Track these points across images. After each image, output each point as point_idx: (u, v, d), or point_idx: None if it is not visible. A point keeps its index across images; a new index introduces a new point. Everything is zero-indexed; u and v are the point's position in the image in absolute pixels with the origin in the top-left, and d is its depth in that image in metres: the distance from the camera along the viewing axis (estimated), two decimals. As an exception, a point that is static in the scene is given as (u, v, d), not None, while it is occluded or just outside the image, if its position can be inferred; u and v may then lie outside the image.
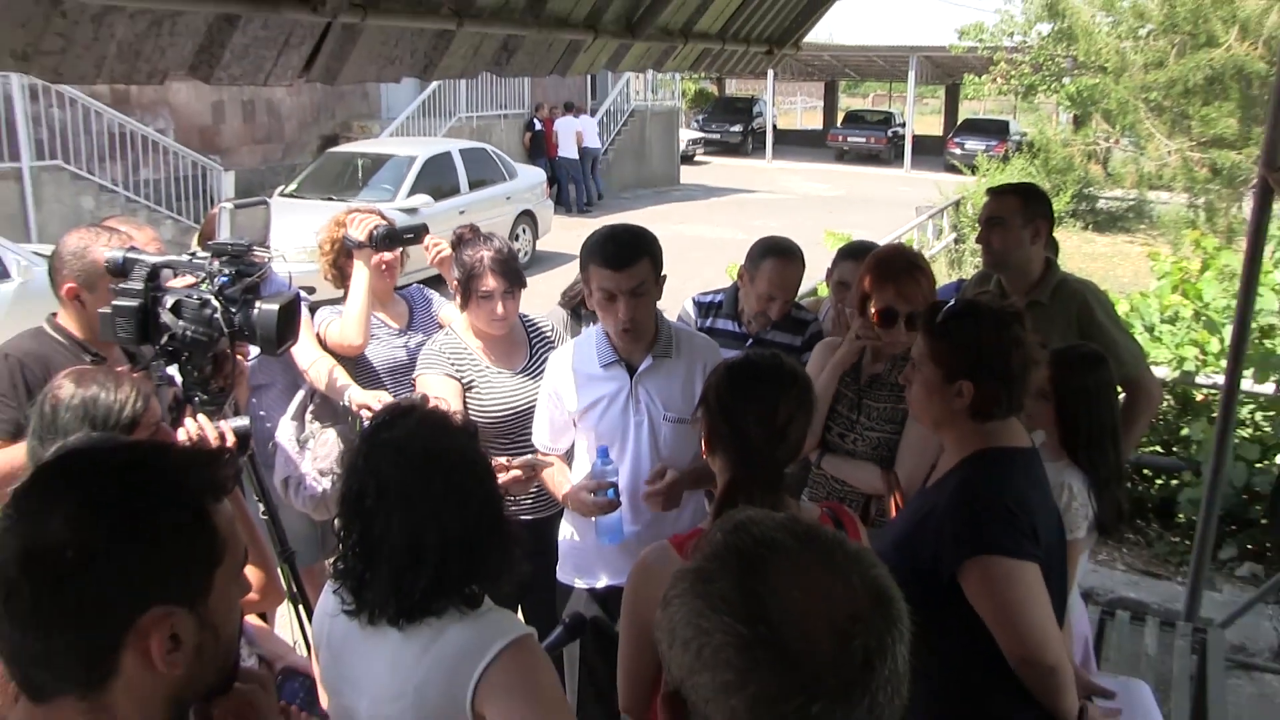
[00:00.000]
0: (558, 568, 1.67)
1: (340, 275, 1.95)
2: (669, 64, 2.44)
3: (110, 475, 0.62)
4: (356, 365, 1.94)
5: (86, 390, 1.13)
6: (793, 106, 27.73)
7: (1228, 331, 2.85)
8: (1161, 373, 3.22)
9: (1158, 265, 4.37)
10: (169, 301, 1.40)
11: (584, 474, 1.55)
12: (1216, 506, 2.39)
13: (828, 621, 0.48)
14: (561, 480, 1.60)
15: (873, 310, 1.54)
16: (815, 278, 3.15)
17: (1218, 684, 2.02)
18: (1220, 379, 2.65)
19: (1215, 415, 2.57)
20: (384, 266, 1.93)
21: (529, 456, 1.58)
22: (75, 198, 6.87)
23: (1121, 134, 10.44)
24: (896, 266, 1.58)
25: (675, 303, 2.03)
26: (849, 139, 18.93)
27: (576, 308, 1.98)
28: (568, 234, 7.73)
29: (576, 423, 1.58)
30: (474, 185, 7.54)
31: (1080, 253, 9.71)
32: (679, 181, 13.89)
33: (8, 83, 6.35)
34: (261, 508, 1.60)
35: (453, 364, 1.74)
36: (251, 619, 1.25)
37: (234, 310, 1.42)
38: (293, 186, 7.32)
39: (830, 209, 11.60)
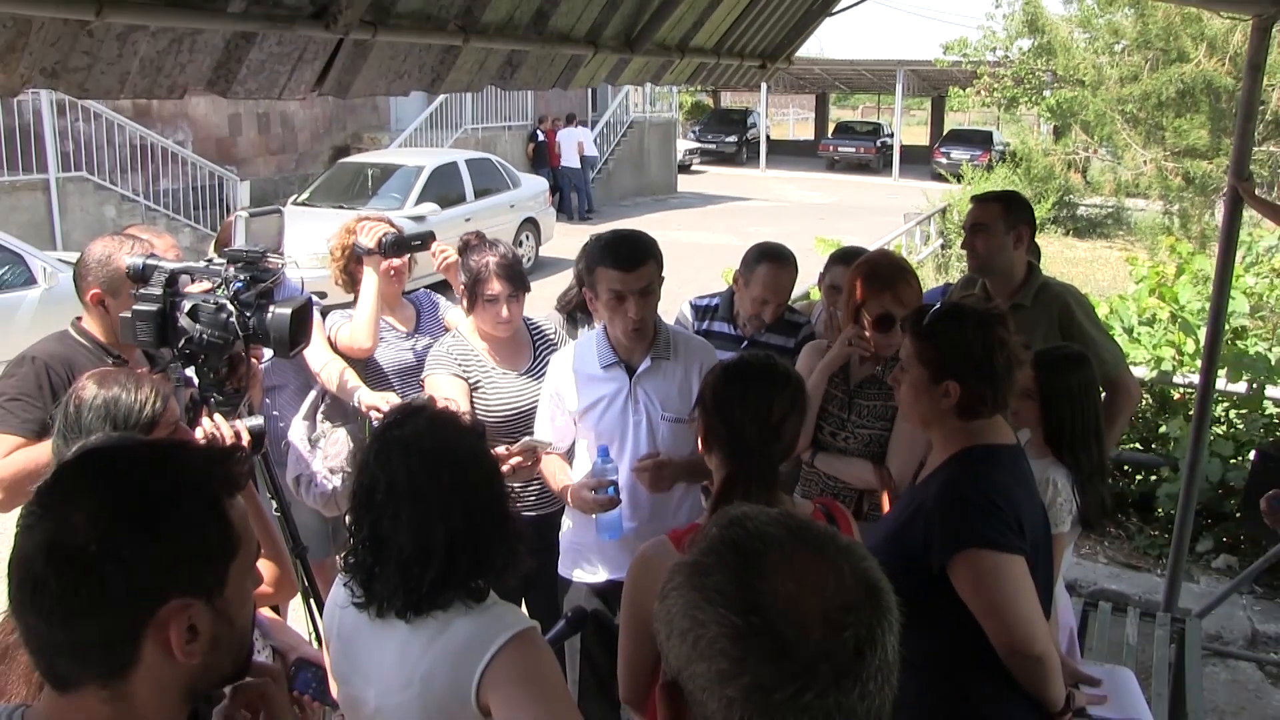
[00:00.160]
0: (559, 563, 1.70)
1: (351, 280, 1.99)
2: (666, 77, 2.50)
3: (131, 472, 0.63)
4: (365, 367, 1.98)
5: (109, 391, 1.16)
6: (785, 118, 27.97)
7: (1202, 333, 2.94)
8: (1140, 372, 3.30)
9: (1135, 270, 4.46)
10: (186, 306, 1.44)
11: (584, 472, 1.57)
12: (1193, 501, 2.44)
13: (820, 612, 0.49)
14: (560, 474, 1.63)
15: (868, 318, 1.57)
16: (808, 282, 3.22)
17: (1195, 671, 2.08)
18: (1196, 378, 2.70)
19: (1192, 413, 2.66)
20: (392, 272, 1.97)
21: (527, 439, 1.60)
22: (98, 207, 7.08)
23: (1099, 144, 10.68)
24: (887, 272, 1.62)
25: (673, 306, 2.08)
26: (839, 149, 19.17)
27: (572, 312, 2.02)
28: (569, 240, 7.76)
29: (577, 422, 1.62)
30: (479, 194, 7.69)
31: (1061, 257, 9.88)
32: (676, 190, 14.06)
33: (37, 98, 6.58)
34: (274, 504, 1.63)
35: (459, 365, 1.78)
36: (265, 611, 1.28)
37: (249, 314, 1.46)
38: (305, 195, 7.46)
39: (822, 216, 11.74)
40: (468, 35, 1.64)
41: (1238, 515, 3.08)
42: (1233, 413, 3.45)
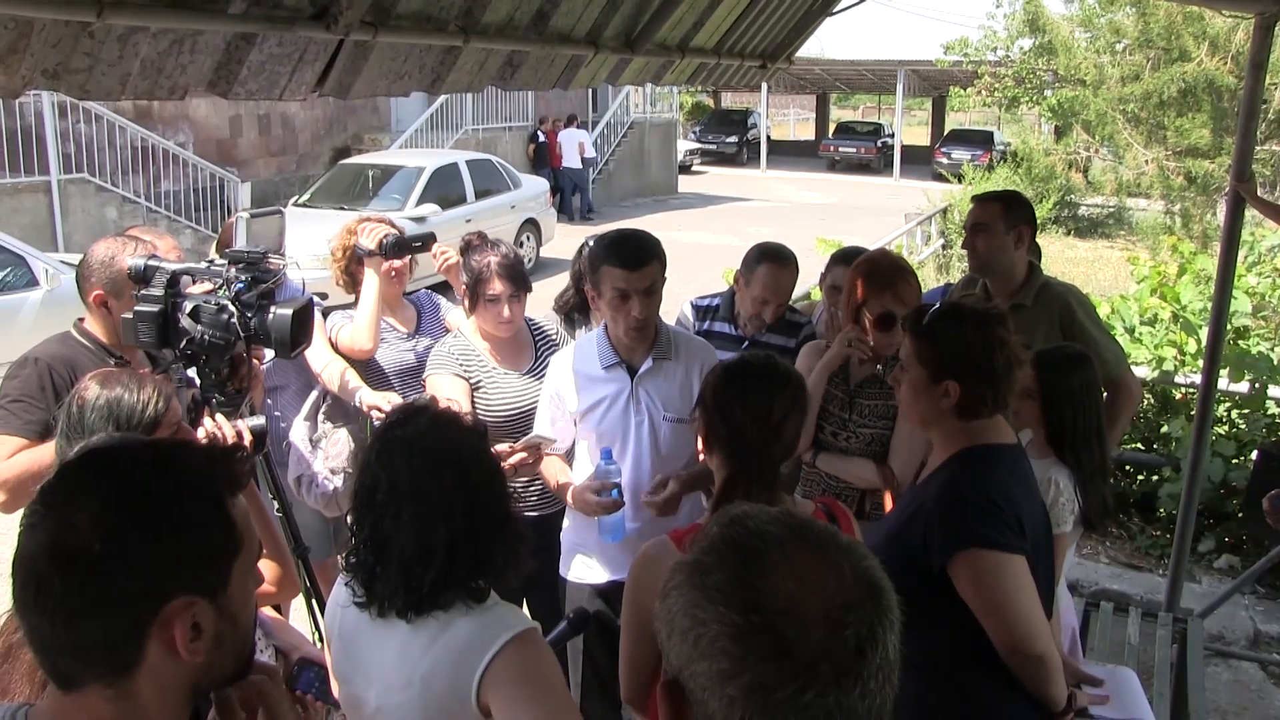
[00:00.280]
0: (561, 564, 1.70)
1: (352, 281, 1.99)
2: (667, 77, 2.50)
3: (134, 471, 0.63)
4: (366, 368, 1.98)
5: (111, 391, 1.16)
6: (786, 118, 27.96)
7: (1204, 333, 2.93)
8: (1141, 372, 3.30)
9: (1137, 269, 4.46)
10: (188, 307, 1.45)
11: (586, 474, 1.58)
12: (1195, 501, 2.44)
13: (821, 611, 0.49)
14: (561, 475, 1.64)
15: (869, 317, 1.57)
16: (809, 282, 3.22)
17: (1197, 672, 2.08)
18: (1198, 378, 2.69)
19: (1193, 413, 2.64)
20: (393, 273, 1.98)
21: (531, 435, 1.61)
22: (100, 209, 7.11)
23: (1101, 144, 10.67)
24: (887, 271, 1.62)
25: (673, 307, 2.08)
26: (840, 149, 19.17)
27: (570, 313, 2.02)
28: (570, 241, 7.74)
29: (577, 423, 1.62)
30: (480, 195, 7.70)
31: (1063, 257, 9.86)
32: (677, 190, 14.06)
33: (38, 100, 6.61)
34: (276, 504, 1.64)
35: (461, 365, 1.78)
36: (268, 611, 1.28)
37: (250, 315, 1.47)
38: (306, 197, 7.48)
39: (822, 216, 11.75)
40: (468, 36, 1.65)
41: (1240, 515, 3.09)
42: (1235, 413, 3.45)
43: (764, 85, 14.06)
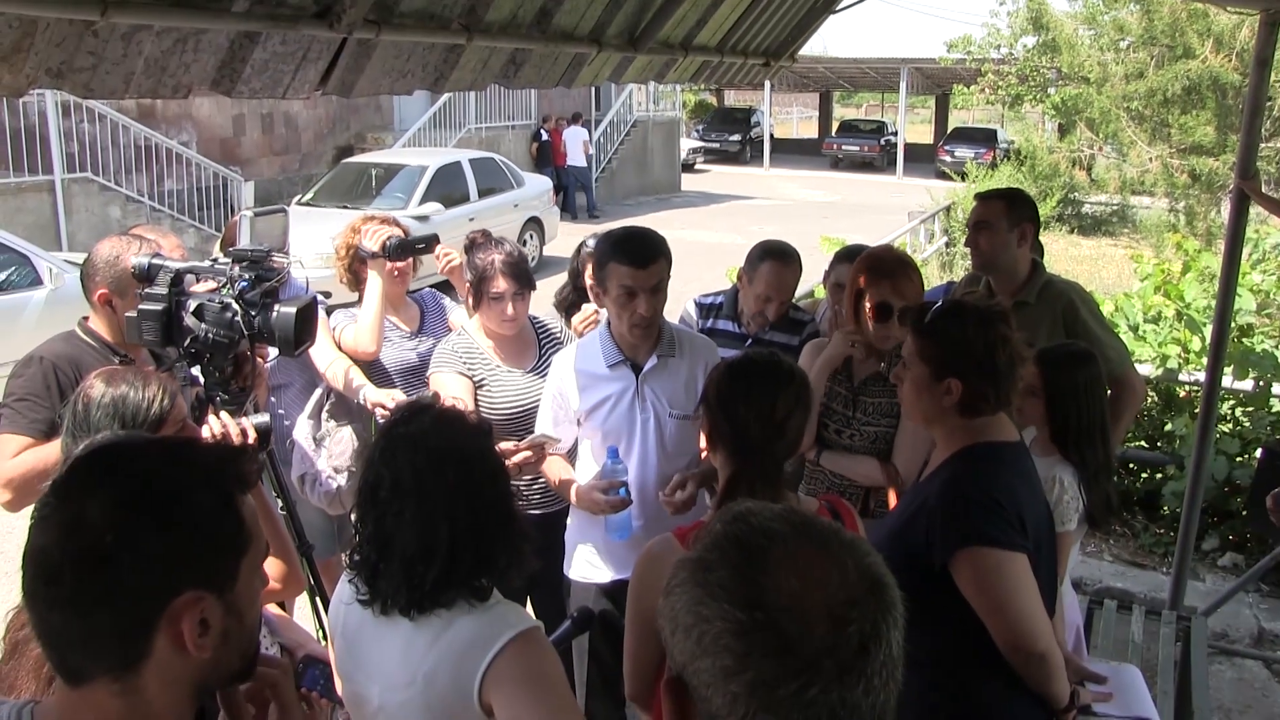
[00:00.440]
0: (565, 562, 1.70)
1: (355, 280, 2.00)
2: (670, 75, 2.50)
3: (147, 465, 0.64)
4: (369, 367, 1.98)
5: (116, 389, 1.17)
6: (789, 116, 27.93)
7: (1208, 330, 2.92)
8: (1145, 370, 3.29)
9: (1141, 267, 4.47)
10: (192, 305, 1.45)
11: (591, 472, 1.58)
12: (1199, 499, 2.44)
13: (824, 607, 0.49)
14: (563, 474, 1.64)
15: (868, 306, 1.57)
16: (812, 280, 3.22)
17: (1200, 669, 2.08)
18: (1201, 376, 2.68)
19: (1197, 411, 2.63)
20: (396, 273, 1.97)
21: (537, 434, 1.61)
22: (104, 208, 7.14)
23: (1104, 141, 10.65)
24: (889, 264, 1.62)
25: (677, 304, 2.09)
26: (843, 147, 19.15)
27: (569, 310, 2.03)
28: (573, 240, 7.78)
29: (581, 422, 1.62)
30: (483, 193, 7.71)
31: (1066, 255, 9.83)
32: (680, 189, 14.06)
33: (42, 99, 6.63)
34: (280, 502, 1.64)
35: (465, 363, 1.78)
36: (272, 608, 1.29)
37: (254, 313, 1.47)
38: (309, 195, 7.49)
39: (825, 214, 11.74)
40: (471, 34, 1.65)
41: (1244, 513, 3.08)
42: (1239, 410, 3.44)
43: (767, 83, 14.05)
